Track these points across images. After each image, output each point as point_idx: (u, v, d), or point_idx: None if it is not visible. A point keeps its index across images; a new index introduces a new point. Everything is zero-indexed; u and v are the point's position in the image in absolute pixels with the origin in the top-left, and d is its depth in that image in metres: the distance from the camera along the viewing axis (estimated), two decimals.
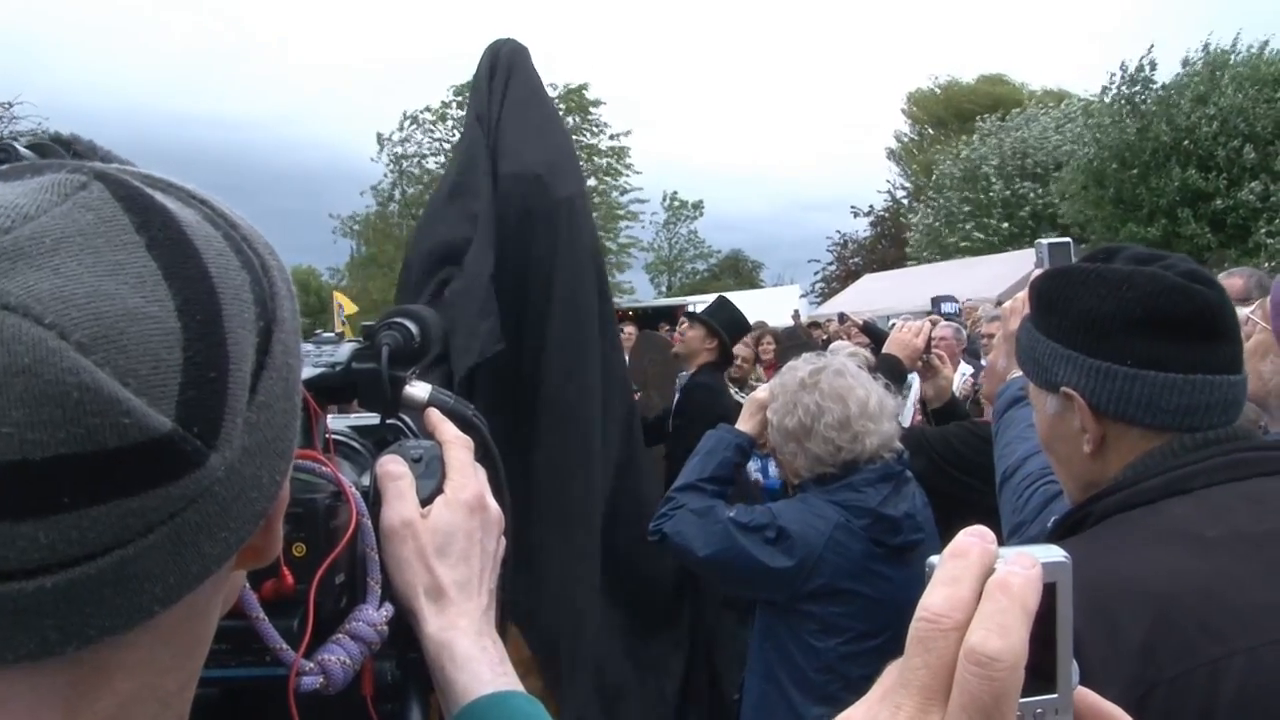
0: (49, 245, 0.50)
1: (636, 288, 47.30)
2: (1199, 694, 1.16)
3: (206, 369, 0.53)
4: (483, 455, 1.10)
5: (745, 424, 2.99)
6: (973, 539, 0.54)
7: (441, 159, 34.69)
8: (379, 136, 35.25)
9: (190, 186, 0.62)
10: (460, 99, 34.57)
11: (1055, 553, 0.55)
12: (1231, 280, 4.59)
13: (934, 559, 0.55)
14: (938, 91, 49.65)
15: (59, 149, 0.73)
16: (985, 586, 0.52)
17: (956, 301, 10.53)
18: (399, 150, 35.05)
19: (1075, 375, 1.46)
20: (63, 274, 0.50)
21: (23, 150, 0.70)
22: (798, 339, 8.62)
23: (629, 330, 13.41)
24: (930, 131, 48.40)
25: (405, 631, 0.98)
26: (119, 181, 0.56)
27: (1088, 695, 0.59)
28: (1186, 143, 24.73)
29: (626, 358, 10.79)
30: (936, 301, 9.64)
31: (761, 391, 3.01)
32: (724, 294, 7.63)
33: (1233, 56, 25.71)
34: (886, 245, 43.71)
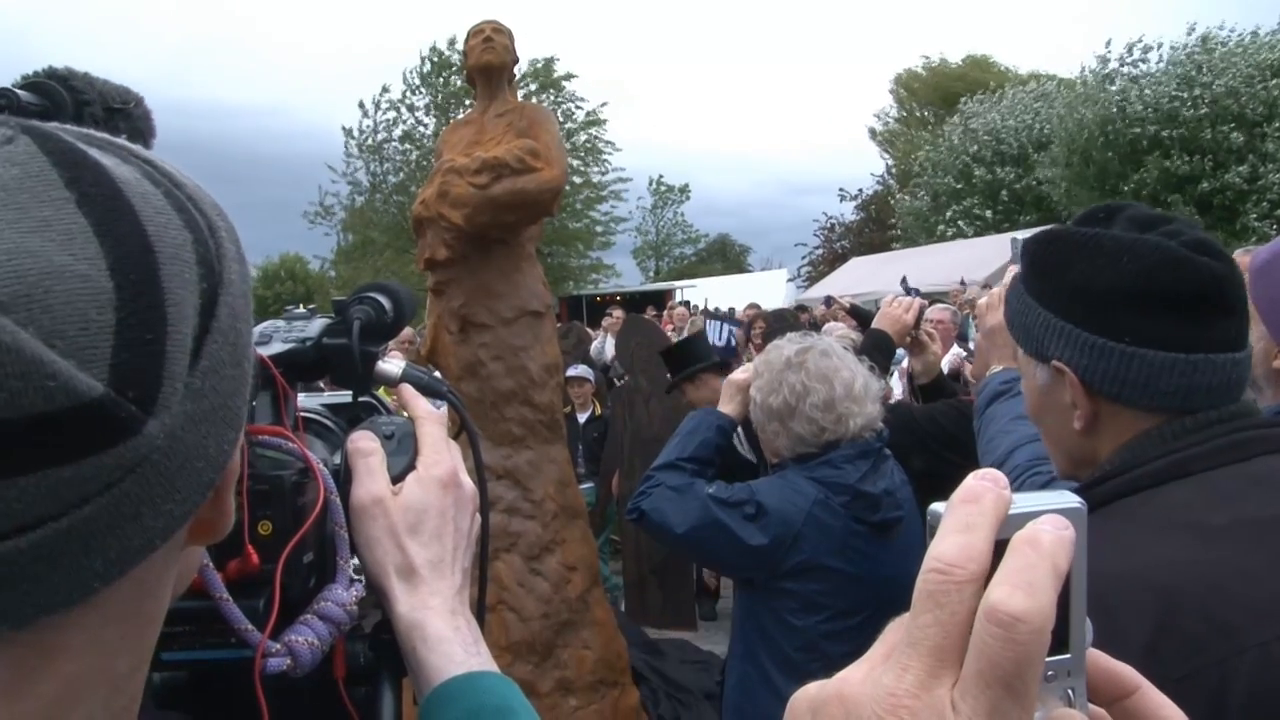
0: None
1: (623, 272, 47.17)
2: (1209, 693, 1.08)
3: (142, 330, 0.49)
4: (458, 431, 1.08)
5: (726, 405, 2.96)
6: (986, 483, 0.49)
7: (409, 145, 34.43)
8: (345, 130, 34.88)
9: (133, 146, 0.59)
10: (425, 83, 34.39)
11: (1070, 499, 0.50)
12: (1247, 258, 4.57)
13: (939, 506, 0.50)
14: (923, 73, 49.62)
15: (55, 85, 0.70)
16: (1011, 541, 0.46)
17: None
18: (374, 140, 34.70)
19: (1067, 349, 1.37)
20: None
21: (21, 94, 0.68)
22: (785, 322, 8.61)
23: (617, 314, 13.43)
24: (918, 114, 48.36)
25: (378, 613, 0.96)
26: (48, 135, 0.53)
27: (1100, 657, 0.54)
28: (1166, 133, 24.73)
29: (613, 341, 10.81)
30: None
31: (739, 373, 2.98)
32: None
33: (1220, 46, 25.78)
34: (873, 229, 43.72)
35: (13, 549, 0.47)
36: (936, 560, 0.46)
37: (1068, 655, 0.50)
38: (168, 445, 0.52)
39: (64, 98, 0.71)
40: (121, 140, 0.59)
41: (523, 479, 4.64)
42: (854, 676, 0.49)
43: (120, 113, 0.76)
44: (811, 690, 0.51)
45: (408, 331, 9.39)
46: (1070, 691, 0.50)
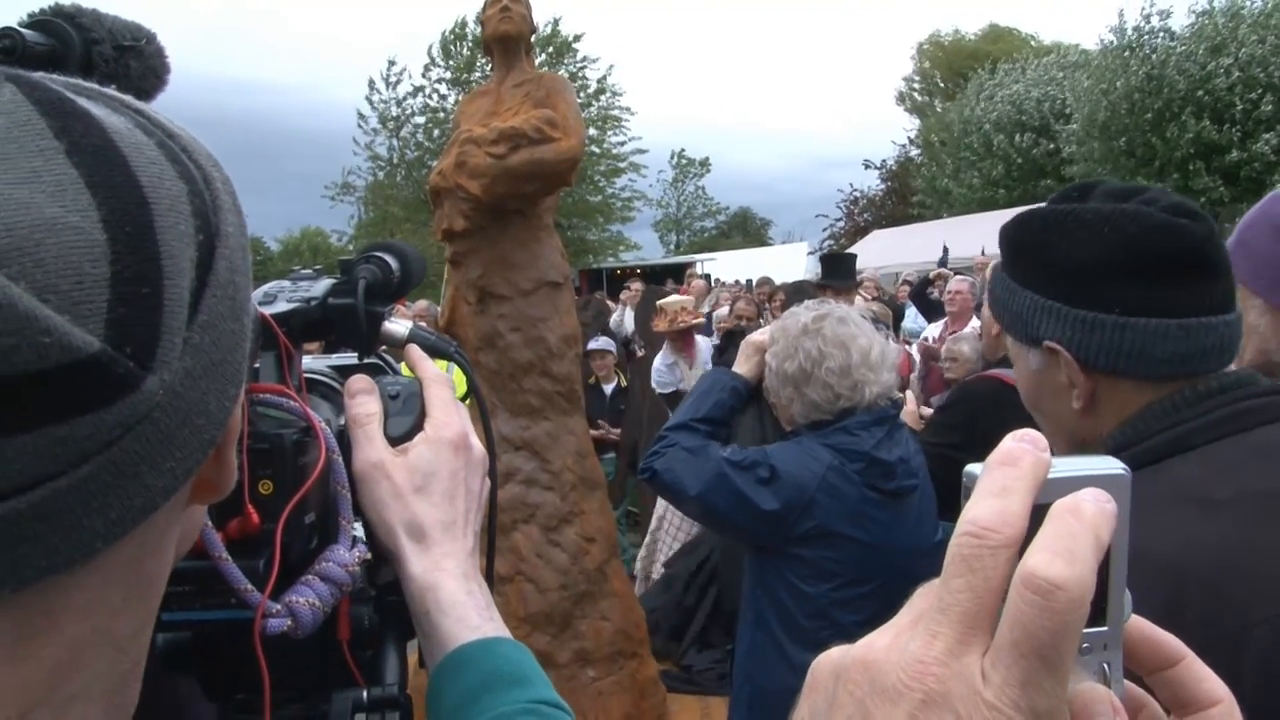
0: None
1: (644, 245, 47.13)
2: (1221, 669, 1.09)
3: (138, 284, 0.48)
4: (466, 394, 1.06)
5: (742, 366, 2.90)
6: (1025, 445, 0.46)
7: (429, 120, 34.45)
8: (361, 112, 34.95)
9: (124, 96, 0.57)
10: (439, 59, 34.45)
11: (1112, 465, 0.48)
12: None
13: (974, 468, 0.48)
14: (946, 43, 49.21)
15: (62, 24, 0.68)
16: (1051, 509, 0.44)
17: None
18: (394, 113, 34.73)
19: (1058, 327, 1.35)
20: None
21: (26, 34, 0.66)
22: (805, 294, 8.56)
23: (636, 287, 13.40)
24: (940, 84, 47.99)
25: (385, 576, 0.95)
26: (34, 84, 0.51)
27: (1144, 625, 0.53)
28: (1201, 93, 24.40)
29: (633, 314, 10.80)
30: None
31: (758, 334, 2.93)
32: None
33: (1247, 4, 25.40)
34: (895, 201, 43.42)
35: (12, 509, 0.46)
36: (971, 524, 0.44)
37: (1105, 628, 0.48)
38: (168, 402, 0.50)
39: (71, 37, 0.69)
40: (111, 90, 0.57)
41: (541, 450, 4.63)
42: (879, 642, 0.46)
43: (131, 50, 0.73)
44: (834, 655, 0.48)
45: (421, 304, 9.39)
46: (1106, 665, 0.48)
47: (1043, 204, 1.46)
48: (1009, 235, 1.47)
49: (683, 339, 7.21)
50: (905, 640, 0.45)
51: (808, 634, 2.57)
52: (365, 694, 0.89)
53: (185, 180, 0.54)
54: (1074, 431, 1.42)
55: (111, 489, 0.49)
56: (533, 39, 5.04)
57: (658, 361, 7.42)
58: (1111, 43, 27.37)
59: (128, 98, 0.57)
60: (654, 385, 7.22)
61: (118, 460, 0.49)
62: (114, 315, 0.47)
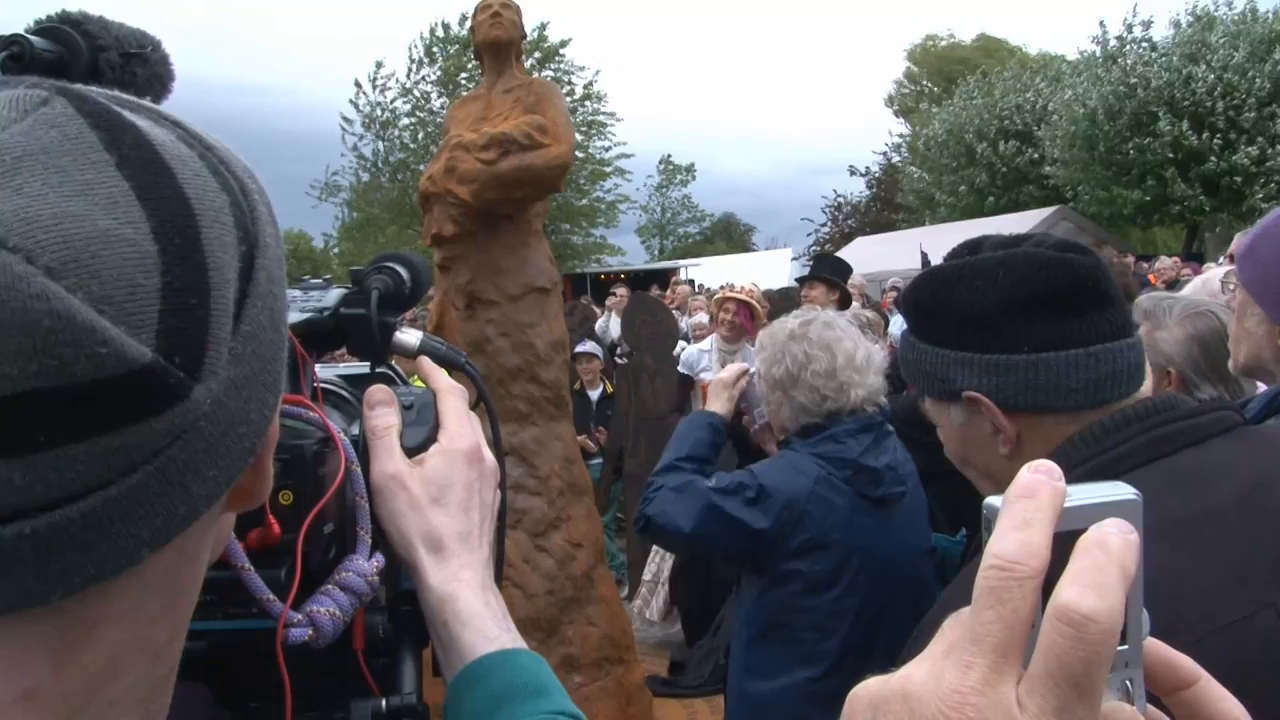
0: (9, 164, 0.46)
1: (628, 250, 47.09)
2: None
3: (187, 295, 0.49)
4: (476, 402, 1.07)
5: (714, 404, 2.98)
6: (1040, 476, 0.49)
7: (414, 122, 34.30)
8: (344, 114, 34.74)
9: (162, 109, 0.58)
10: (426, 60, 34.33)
11: (1124, 490, 0.51)
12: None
13: (994, 500, 0.51)
14: (942, 45, 49.51)
15: (69, 31, 0.69)
16: (1079, 542, 0.47)
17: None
18: (380, 114, 34.50)
19: (973, 376, 1.40)
20: (26, 194, 0.45)
21: (34, 40, 0.67)
22: (792, 301, 8.59)
23: (621, 292, 13.42)
24: (929, 89, 48.26)
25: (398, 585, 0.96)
26: (84, 97, 0.51)
27: (1160, 647, 0.54)
28: (1178, 95, 24.51)
29: (618, 319, 10.79)
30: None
31: (726, 371, 3.03)
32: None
33: (1219, 12, 25.66)
34: (880, 207, 43.56)
35: (63, 518, 0.47)
36: (997, 557, 0.47)
37: (1125, 646, 0.50)
38: (213, 411, 0.51)
39: (78, 44, 0.69)
40: (148, 102, 0.58)
41: (528, 456, 4.63)
42: (916, 674, 0.49)
43: (137, 58, 0.74)
44: (872, 686, 0.50)
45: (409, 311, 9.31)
46: (1128, 683, 0.50)
47: (939, 264, 1.52)
48: (910, 299, 1.52)
49: None
50: (940, 671, 0.47)
51: (804, 645, 2.58)
52: (384, 703, 0.90)
53: (226, 192, 0.55)
54: (1005, 480, 1.44)
55: (158, 497, 0.50)
56: (523, 44, 5.05)
57: (694, 346, 7.38)
58: (1094, 53, 27.59)
59: (164, 110, 0.58)
60: (680, 367, 7.21)
61: (165, 469, 0.50)
62: (164, 325, 0.48)
